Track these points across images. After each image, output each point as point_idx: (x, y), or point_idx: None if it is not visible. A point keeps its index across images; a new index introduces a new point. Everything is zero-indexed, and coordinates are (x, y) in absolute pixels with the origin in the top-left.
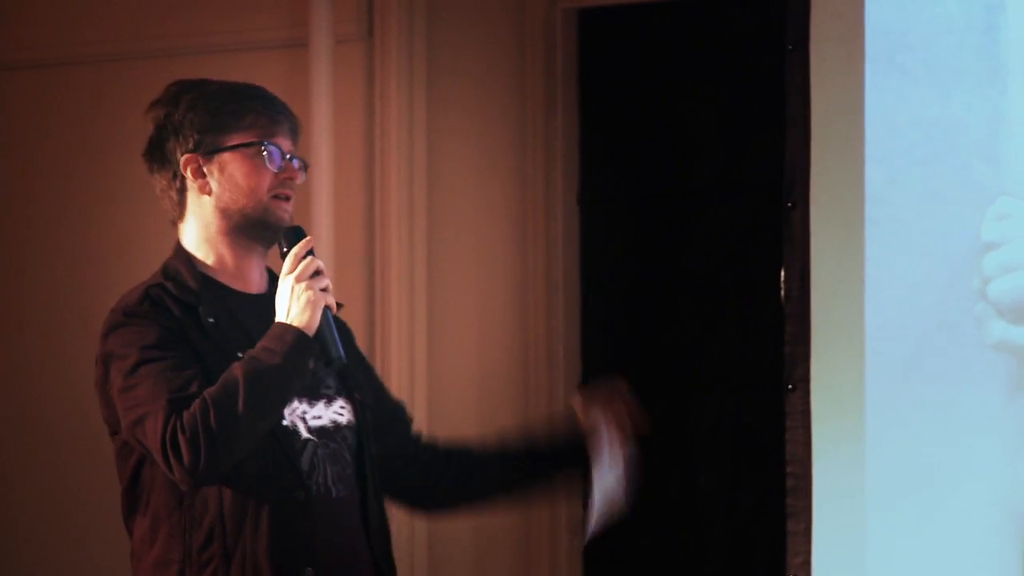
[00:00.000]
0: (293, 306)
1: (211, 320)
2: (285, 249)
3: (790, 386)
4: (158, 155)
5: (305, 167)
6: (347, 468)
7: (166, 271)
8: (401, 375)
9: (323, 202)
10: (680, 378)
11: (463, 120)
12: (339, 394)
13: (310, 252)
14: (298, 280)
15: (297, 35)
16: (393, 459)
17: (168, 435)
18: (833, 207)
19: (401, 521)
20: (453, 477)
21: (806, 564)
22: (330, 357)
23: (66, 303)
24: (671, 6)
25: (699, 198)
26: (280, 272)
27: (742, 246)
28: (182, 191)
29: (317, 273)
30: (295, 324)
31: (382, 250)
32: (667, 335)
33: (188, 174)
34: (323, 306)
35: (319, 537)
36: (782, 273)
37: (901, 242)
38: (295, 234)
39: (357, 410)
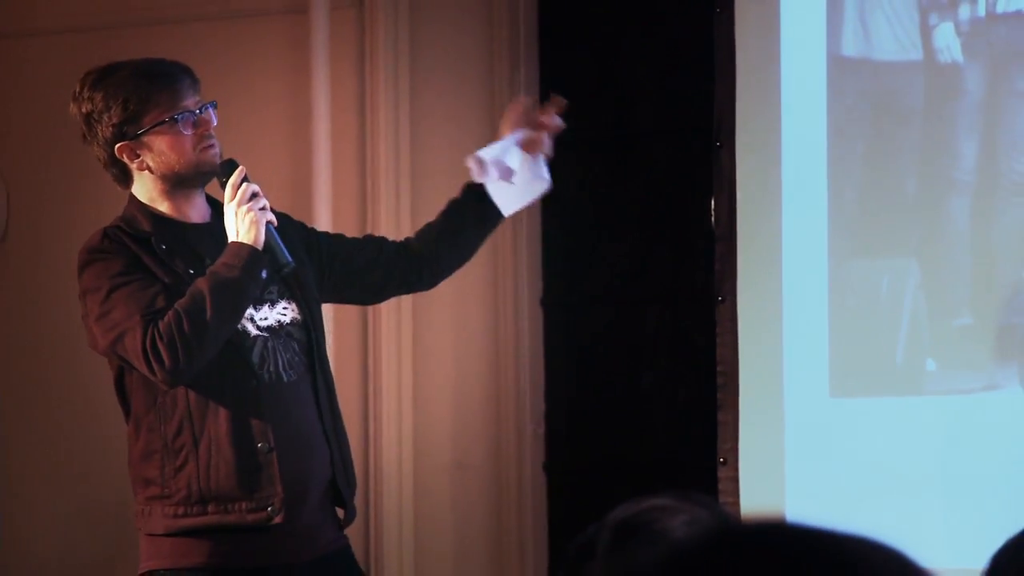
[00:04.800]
0: (240, 227)
1: (163, 247)
2: (224, 180)
3: (720, 298)
4: (92, 139)
5: (215, 105)
6: (296, 357)
7: (123, 216)
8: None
9: (321, 155)
10: (626, 292)
11: (441, 64)
12: (282, 297)
13: (245, 179)
14: (239, 205)
15: (296, 2)
16: (363, 273)
17: (148, 344)
18: (755, 145)
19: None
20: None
21: (734, 449)
22: (279, 264)
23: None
24: None
25: (641, 138)
26: (223, 199)
27: (679, 179)
28: (124, 168)
29: (255, 195)
30: (246, 241)
31: (373, 183)
32: (615, 255)
33: (125, 158)
34: (265, 222)
35: (272, 417)
36: (712, 201)
37: (814, 170)
38: (229, 166)
39: (302, 308)
